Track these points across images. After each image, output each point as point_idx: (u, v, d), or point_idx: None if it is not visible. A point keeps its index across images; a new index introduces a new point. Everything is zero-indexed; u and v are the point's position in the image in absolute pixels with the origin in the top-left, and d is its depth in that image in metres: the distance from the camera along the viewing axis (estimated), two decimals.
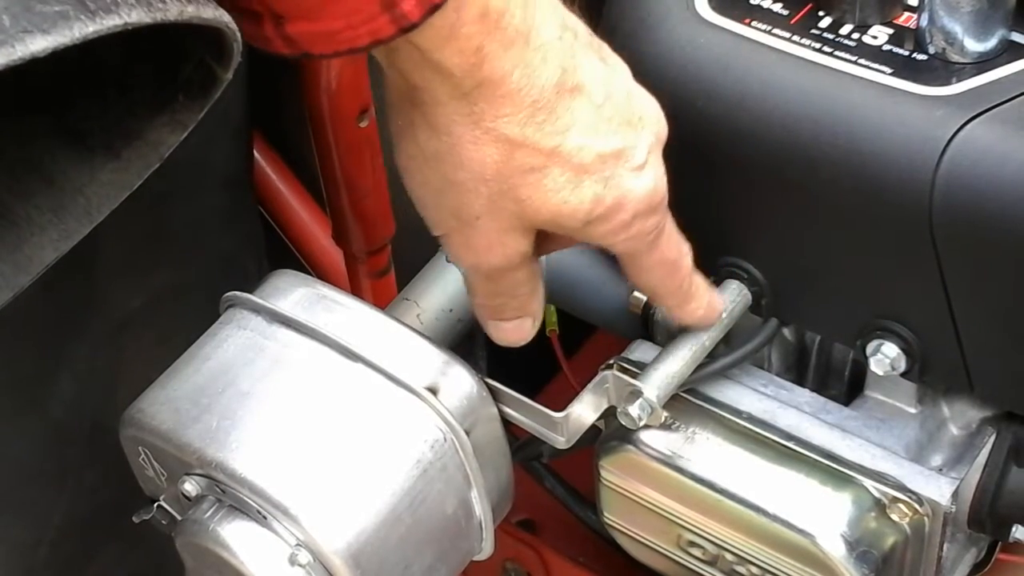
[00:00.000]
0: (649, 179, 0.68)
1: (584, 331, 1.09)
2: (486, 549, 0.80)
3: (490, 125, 0.64)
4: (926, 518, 0.77)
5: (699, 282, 0.77)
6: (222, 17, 0.51)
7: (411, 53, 0.61)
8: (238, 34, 0.53)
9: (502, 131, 0.64)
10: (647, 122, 0.68)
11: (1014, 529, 0.80)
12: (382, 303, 0.91)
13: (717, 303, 0.78)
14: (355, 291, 1.06)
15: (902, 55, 0.72)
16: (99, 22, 0.45)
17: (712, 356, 0.81)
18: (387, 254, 1.06)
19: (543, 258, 0.87)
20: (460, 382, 0.76)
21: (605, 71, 0.67)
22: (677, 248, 0.74)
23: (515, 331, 0.76)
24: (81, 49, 0.48)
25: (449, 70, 0.62)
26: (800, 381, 0.85)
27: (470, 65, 0.61)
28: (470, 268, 0.72)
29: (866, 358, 0.77)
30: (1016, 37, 0.72)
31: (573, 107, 0.65)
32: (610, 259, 0.87)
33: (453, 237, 0.70)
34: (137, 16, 0.46)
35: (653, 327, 0.86)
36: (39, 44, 0.44)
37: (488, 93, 0.63)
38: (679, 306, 0.77)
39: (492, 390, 0.77)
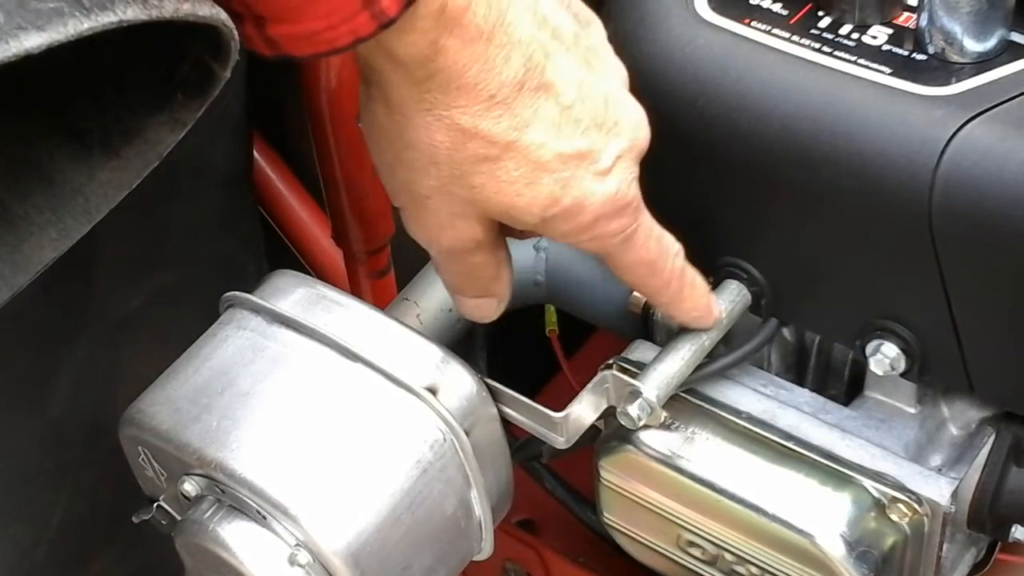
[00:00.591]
0: (612, 184, 0.68)
1: (584, 331, 1.09)
2: (486, 549, 0.80)
3: (443, 113, 0.63)
4: (926, 518, 0.77)
5: (693, 283, 0.76)
6: (219, 15, 0.51)
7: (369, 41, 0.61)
8: (235, 32, 0.53)
9: (455, 120, 0.64)
10: (622, 128, 0.68)
11: (1014, 529, 0.80)
12: (382, 303, 0.92)
13: (715, 307, 0.78)
14: (355, 291, 1.06)
15: (902, 55, 0.72)
16: (94, 19, 0.45)
17: (712, 356, 0.81)
18: (387, 254, 1.06)
19: (541, 251, 0.88)
20: (460, 382, 0.76)
21: (583, 73, 0.66)
22: (657, 249, 0.73)
23: (477, 309, 0.77)
24: (78, 48, 0.48)
25: (403, 59, 0.61)
26: (800, 381, 0.85)
27: (424, 56, 0.61)
28: (424, 244, 0.72)
29: (866, 358, 0.77)
30: (1016, 37, 0.72)
31: (536, 105, 0.64)
32: None
33: (407, 211, 0.70)
34: (133, 13, 0.46)
35: (653, 327, 0.86)
36: (34, 41, 0.44)
37: (442, 83, 0.62)
38: (669, 305, 0.77)
39: (492, 390, 0.77)
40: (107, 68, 0.56)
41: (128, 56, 0.56)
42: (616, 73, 0.69)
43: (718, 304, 0.79)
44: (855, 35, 0.74)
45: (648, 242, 0.72)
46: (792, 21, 0.75)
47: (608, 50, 0.69)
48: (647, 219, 0.72)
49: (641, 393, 0.77)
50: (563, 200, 0.67)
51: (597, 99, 0.67)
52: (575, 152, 0.66)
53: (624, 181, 0.68)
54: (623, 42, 0.77)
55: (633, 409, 0.77)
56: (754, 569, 0.81)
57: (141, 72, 0.56)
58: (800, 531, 0.77)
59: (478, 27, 0.60)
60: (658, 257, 0.73)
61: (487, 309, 0.77)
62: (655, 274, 0.74)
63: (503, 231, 0.72)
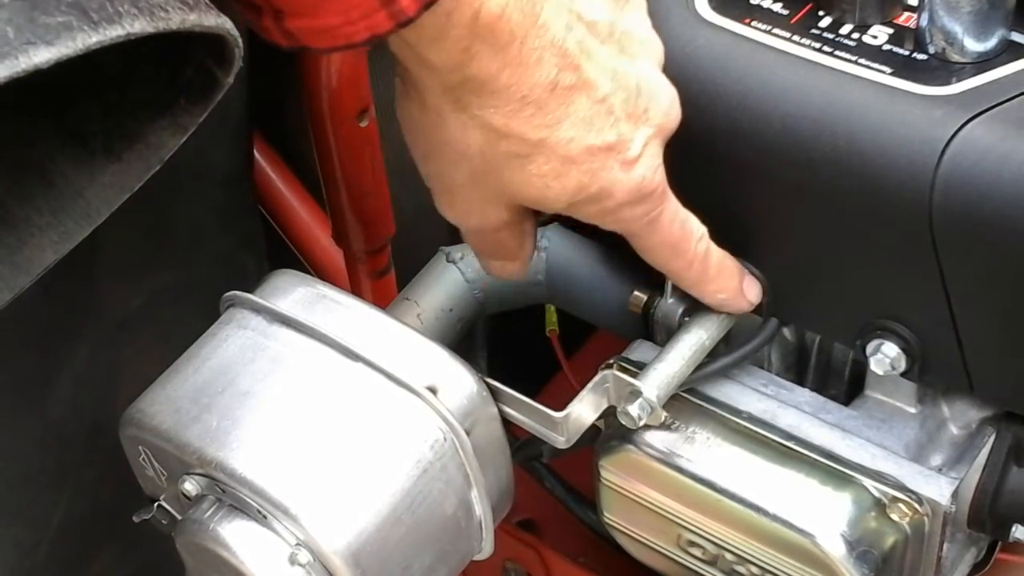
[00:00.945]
0: (639, 172, 0.69)
1: (584, 331, 1.09)
2: (486, 549, 0.80)
3: (476, 112, 0.65)
4: (926, 518, 0.77)
5: (721, 266, 0.77)
6: (224, 24, 0.51)
7: (400, 44, 0.62)
8: (240, 40, 0.53)
9: (487, 120, 0.65)
10: (651, 114, 0.69)
11: (1014, 529, 0.80)
12: (382, 303, 0.91)
13: (750, 291, 0.78)
14: (355, 291, 1.06)
15: (902, 55, 0.72)
16: (102, 32, 0.45)
17: (712, 356, 0.81)
18: (387, 254, 1.06)
19: (541, 251, 0.88)
20: (460, 382, 0.76)
21: (618, 62, 0.67)
22: (680, 232, 0.74)
23: (501, 270, 0.79)
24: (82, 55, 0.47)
25: (435, 65, 0.62)
26: (800, 381, 0.85)
27: (456, 63, 0.62)
28: (453, 223, 0.75)
29: (866, 358, 0.77)
30: (1016, 37, 0.72)
31: (569, 102, 0.65)
32: (610, 259, 0.87)
33: (438, 195, 0.73)
34: (140, 26, 0.46)
35: (653, 327, 0.86)
36: (43, 56, 0.44)
37: (474, 87, 0.63)
38: (693, 287, 0.78)
39: (492, 390, 0.77)
40: (110, 72, 0.57)
41: (132, 60, 0.56)
42: (650, 52, 0.70)
43: (754, 288, 0.79)
44: (855, 35, 0.74)
45: (672, 226, 0.73)
46: (793, 21, 0.75)
47: (644, 27, 0.70)
48: (671, 203, 0.73)
49: (641, 393, 0.77)
50: (589, 188, 0.68)
51: (630, 87, 0.67)
52: (604, 145, 0.67)
53: (650, 168, 0.70)
54: None
55: (633, 409, 0.77)
56: (754, 569, 0.81)
57: (144, 76, 0.57)
58: (800, 531, 0.77)
59: (511, 33, 0.61)
60: (680, 240, 0.74)
61: (510, 271, 0.79)
62: (677, 256, 0.75)
63: (529, 208, 0.73)
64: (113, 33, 0.46)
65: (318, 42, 0.60)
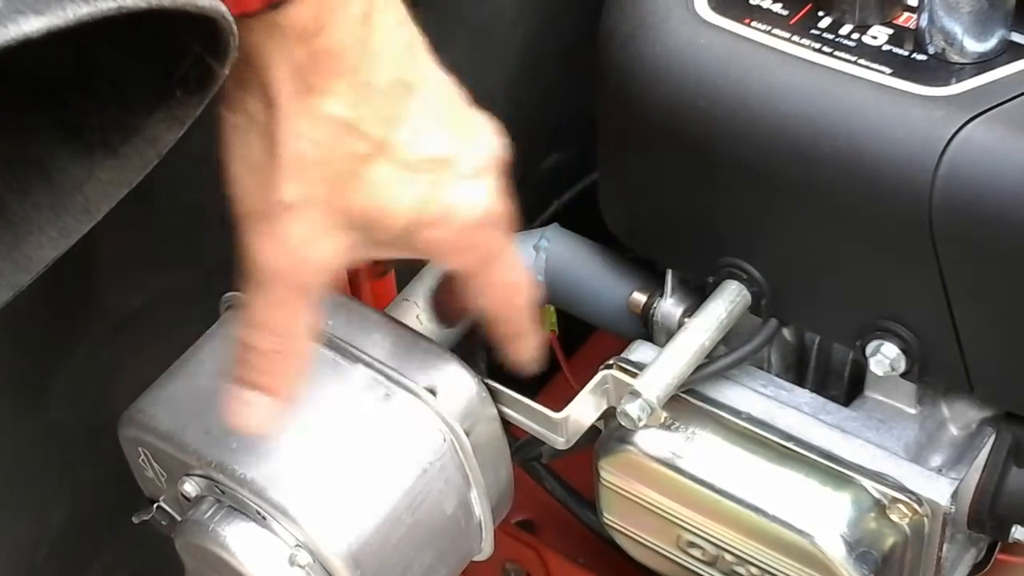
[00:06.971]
0: (480, 193, 0.66)
1: (584, 331, 1.09)
2: (486, 549, 0.80)
3: (320, 100, 0.61)
4: (926, 518, 0.77)
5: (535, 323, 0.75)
6: (217, 7, 0.51)
7: (257, 26, 0.59)
8: (234, 26, 0.53)
9: (333, 112, 0.61)
10: (479, 135, 0.66)
11: (1014, 529, 0.80)
12: (382, 303, 0.92)
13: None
14: (355, 291, 1.06)
15: (902, 55, 0.72)
16: (93, 4, 0.45)
17: (712, 356, 0.81)
18: None
19: (541, 251, 0.87)
20: (460, 383, 0.76)
21: (442, 76, 0.65)
22: (519, 273, 0.71)
23: (248, 414, 0.68)
24: (78, 49, 0.47)
25: (287, 32, 0.59)
26: (800, 381, 0.85)
27: (308, 33, 0.59)
28: (262, 267, 0.66)
29: (866, 359, 0.77)
30: (1016, 37, 0.72)
31: (406, 103, 0.63)
32: (610, 259, 0.87)
33: (261, 224, 0.65)
34: (132, 0, 0.46)
35: (653, 327, 0.86)
36: (33, 25, 0.43)
37: (324, 66, 0.60)
38: (514, 337, 0.74)
39: (492, 390, 0.77)
40: (104, 68, 0.56)
41: (126, 54, 0.56)
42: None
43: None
44: (855, 35, 0.74)
45: (515, 264, 0.70)
46: (792, 21, 0.75)
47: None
48: (514, 242, 0.70)
49: (641, 394, 0.77)
50: (430, 207, 0.65)
51: (456, 104, 0.65)
52: (439, 156, 0.64)
53: (492, 193, 0.66)
54: (623, 42, 0.77)
55: (633, 409, 0.77)
56: (754, 570, 0.81)
57: (139, 70, 0.56)
58: (800, 531, 0.77)
59: (361, 9, 0.59)
60: (519, 282, 0.72)
61: (259, 416, 0.68)
62: (515, 297, 0.72)
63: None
64: (105, 6, 0.45)
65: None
